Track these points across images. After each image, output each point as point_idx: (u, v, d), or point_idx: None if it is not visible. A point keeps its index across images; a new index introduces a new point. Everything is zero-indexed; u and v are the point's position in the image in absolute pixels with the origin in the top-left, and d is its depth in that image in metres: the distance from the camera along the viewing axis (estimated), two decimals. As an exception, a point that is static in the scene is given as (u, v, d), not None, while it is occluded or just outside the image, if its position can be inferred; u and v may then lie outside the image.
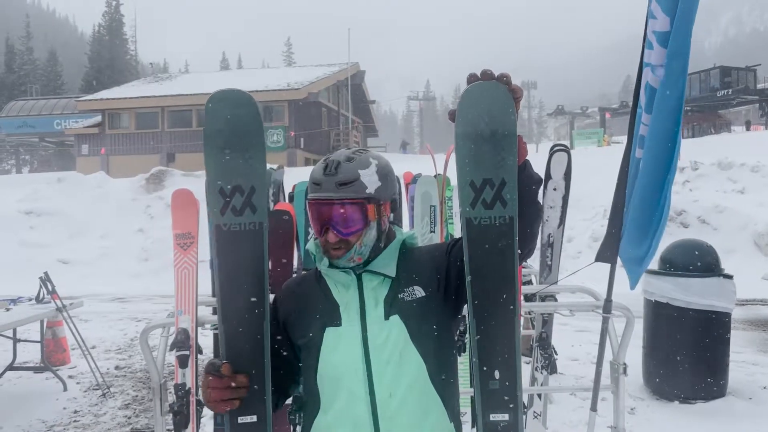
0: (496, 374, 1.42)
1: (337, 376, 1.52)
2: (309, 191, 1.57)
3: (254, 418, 1.45)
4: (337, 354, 1.52)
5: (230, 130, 1.42)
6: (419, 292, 1.57)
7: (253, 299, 1.46)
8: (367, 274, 1.59)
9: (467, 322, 1.45)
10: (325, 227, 1.54)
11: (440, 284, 1.60)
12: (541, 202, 1.56)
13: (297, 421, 1.65)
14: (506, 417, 1.43)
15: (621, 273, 2.78)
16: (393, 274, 1.58)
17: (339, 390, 1.51)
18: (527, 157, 1.47)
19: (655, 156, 2.19)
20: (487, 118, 1.34)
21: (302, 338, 1.59)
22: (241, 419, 1.45)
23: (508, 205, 1.38)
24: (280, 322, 1.65)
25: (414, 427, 1.50)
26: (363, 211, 1.55)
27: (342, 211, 1.53)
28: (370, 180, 1.55)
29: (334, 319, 1.56)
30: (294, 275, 3.12)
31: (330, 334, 1.55)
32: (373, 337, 1.52)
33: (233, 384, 1.42)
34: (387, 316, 1.54)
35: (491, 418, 1.43)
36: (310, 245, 1.69)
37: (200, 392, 1.51)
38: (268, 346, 1.48)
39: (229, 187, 1.43)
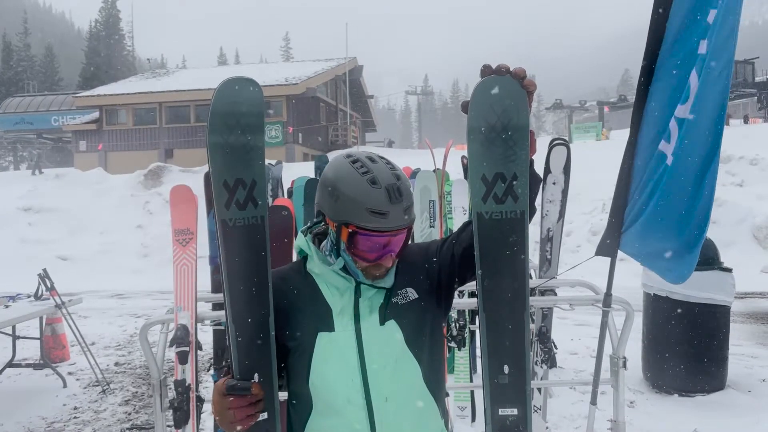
0: (506, 368, 1.42)
1: (331, 383, 1.48)
2: (364, 220, 1.42)
3: (265, 415, 1.43)
4: (331, 361, 1.48)
5: (236, 119, 1.34)
6: (412, 294, 1.55)
7: (259, 296, 1.42)
8: (366, 285, 1.54)
9: (467, 316, 1.45)
10: (385, 254, 1.48)
11: (432, 285, 1.58)
12: (535, 204, 1.55)
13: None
14: (515, 411, 1.42)
15: (621, 267, 2.78)
16: (391, 285, 1.54)
17: (334, 396, 1.47)
18: (532, 157, 1.43)
19: (693, 149, 2.17)
20: (500, 112, 1.33)
21: (291, 340, 1.52)
22: None
23: (519, 200, 1.37)
24: None
25: (410, 430, 1.49)
26: (411, 231, 1.53)
27: (404, 236, 1.50)
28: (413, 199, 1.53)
29: (327, 324, 1.50)
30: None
31: (323, 339, 1.49)
32: (368, 342, 1.48)
33: (255, 400, 1.38)
34: (382, 322, 1.51)
35: (500, 413, 1.43)
36: (300, 241, 1.61)
37: (213, 412, 1.43)
38: (273, 343, 1.44)
39: (232, 180, 1.37)
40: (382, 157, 1.51)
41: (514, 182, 1.36)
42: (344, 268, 1.53)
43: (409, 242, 1.68)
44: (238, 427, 1.37)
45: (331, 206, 1.47)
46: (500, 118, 1.33)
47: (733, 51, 2.05)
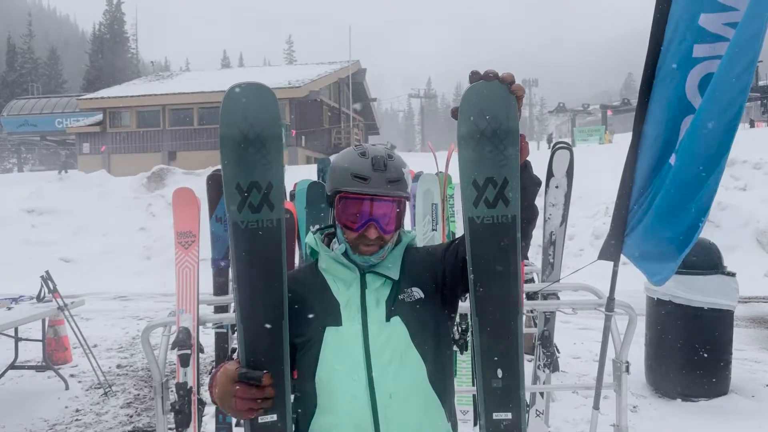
0: (499, 373, 1.42)
1: (337, 377, 1.50)
2: (347, 184, 1.54)
3: (274, 417, 1.43)
4: (338, 355, 1.51)
5: (249, 124, 1.36)
6: (418, 293, 1.58)
7: (272, 299, 1.43)
8: (372, 275, 1.59)
9: (470, 320, 1.45)
10: (368, 223, 1.54)
11: (437, 286, 1.61)
12: (537, 205, 1.56)
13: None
14: (509, 416, 1.42)
15: (623, 271, 2.77)
16: (397, 276, 1.59)
17: (339, 391, 1.49)
18: (528, 158, 1.47)
19: (697, 150, 2.16)
20: (489, 117, 1.34)
21: (300, 336, 1.55)
22: (261, 419, 1.43)
23: (510, 204, 1.37)
24: None
25: (414, 428, 1.50)
26: (401, 211, 1.58)
27: (388, 209, 1.56)
28: (408, 179, 1.59)
29: (335, 319, 1.54)
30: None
31: (330, 334, 1.53)
32: (374, 338, 1.51)
33: (262, 396, 1.38)
34: (388, 318, 1.54)
35: (494, 417, 1.43)
36: (310, 239, 1.68)
37: (214, 398, 1.44)
38: (287, 346, 1.45)
39: (246, 183, 1.38)
40: (390, 151, 1.61)
41: (505, 186, 1.37)
42: (347, 255, 1.59)
43: (418, 246, 1.71)
44: (239, 416, 1.39)
45: (329, 181, 1.61)
46: (489, 123, 1.35)
47: (756, 54, 2.03)
